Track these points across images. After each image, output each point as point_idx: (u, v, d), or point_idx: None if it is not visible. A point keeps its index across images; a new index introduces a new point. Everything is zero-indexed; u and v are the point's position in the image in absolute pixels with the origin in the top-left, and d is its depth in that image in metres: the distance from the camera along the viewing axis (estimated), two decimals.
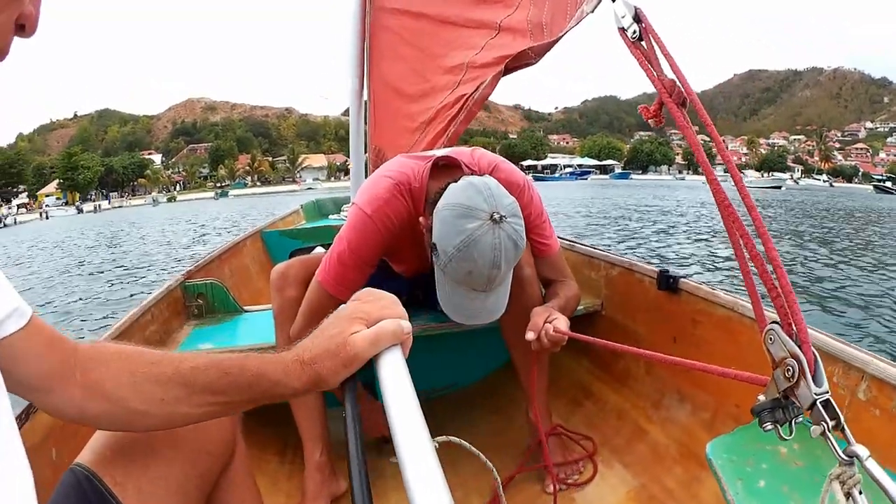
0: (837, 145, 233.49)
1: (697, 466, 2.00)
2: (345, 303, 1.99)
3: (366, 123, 3.83)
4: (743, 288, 0.97)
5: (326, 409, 2.26)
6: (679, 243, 14.85)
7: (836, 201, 43.45)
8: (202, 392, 0.92)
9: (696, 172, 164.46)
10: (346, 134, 4.25)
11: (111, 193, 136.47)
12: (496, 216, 1.62)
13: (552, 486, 2.08)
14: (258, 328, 2.79)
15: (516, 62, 2.42)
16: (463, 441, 0.96)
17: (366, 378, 2.45)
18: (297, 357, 0.93)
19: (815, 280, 10.58)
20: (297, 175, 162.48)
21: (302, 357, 0.93)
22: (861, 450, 0.72)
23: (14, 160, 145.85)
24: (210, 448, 1.17)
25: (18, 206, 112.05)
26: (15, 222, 63.46)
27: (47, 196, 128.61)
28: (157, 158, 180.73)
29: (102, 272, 14.38)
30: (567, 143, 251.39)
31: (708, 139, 1.13)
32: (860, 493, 0.72)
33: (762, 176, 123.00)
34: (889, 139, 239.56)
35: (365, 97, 3.82)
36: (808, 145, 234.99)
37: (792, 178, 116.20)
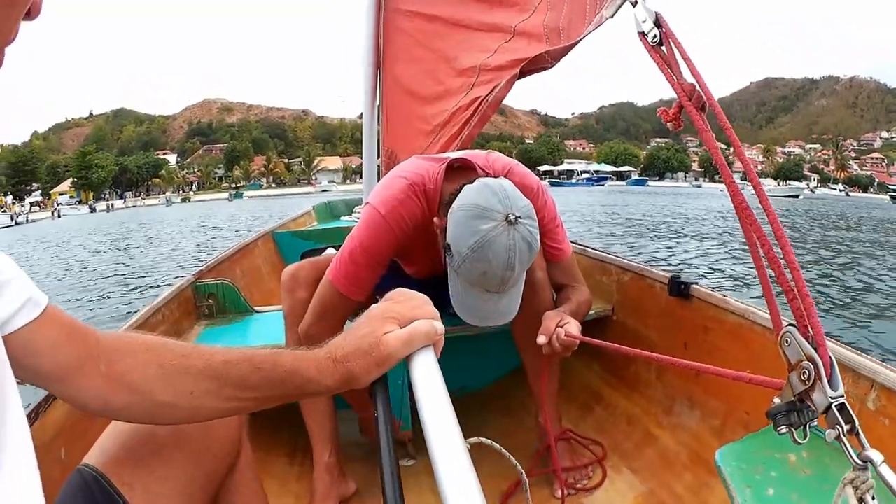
0: (853, 154, 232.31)
1: (706, 473, 1.99)
2: (355, 302, 2.00)
3: (379, 125, 3.85)
4: (759, 295, 0.96)
5: (336, 411, 2.27)
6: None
7: (858, 212, 43.06)
8: (233, 387, 0.92)
9: (712, 180, 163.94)
10: (362, 136, 4.25)
11: (126, 193, 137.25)
12: (511, 217, 1.62)
13: (560, 491, 2.08)
14: (269, 329, 2.79)
15: (532, 65, 2.42)
16: (493, 443, 0.98)
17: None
18: (329, 355, 0.93)
19: (843, 289, 10.53)
20: (313, 177, 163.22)
21: (335, 355, 0.93)
22: (875, 455, 0.71)
23: (28, 158, 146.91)
24: (216, 449, 1.18)
25: (32, 205, 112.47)
26: (27, 220, 63.69)
27: (61, 195, 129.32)
28: (172, 158, 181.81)
29: (99, 278, 14.18)
30: (583, 148, 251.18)
31: (727, 146, 1.13)
32: (873, 498, 0.71)
33: (779, 184, 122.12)
34: None
35: (378, 99, 3.84)
36: (824, 154, 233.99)
37: (808, 187, 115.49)
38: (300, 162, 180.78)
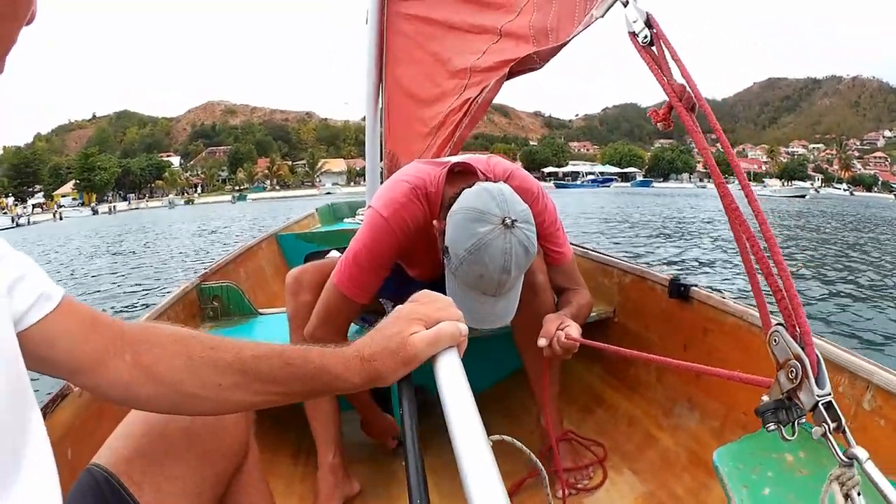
0: (856, 154, 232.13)
1: (705, 474, 2.01)
2: (359, 304, 2.02)
3: (382, 127, 3.86)
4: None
5: (340, 413, 2.28)
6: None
7: (868, 211, 42.91)
8: (262, 381, 0.94)
9: None
10: (365, 139, 4.28)
11: (129, 195, 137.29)
12: (508, 221, 1.63)
13: (562, 491, 2.09)
14: (273, 331, 2.80)
15: (520, 66, 2.44)
16: (515, 440, 1.00)
17: (377, 390, 2.47)
18: (357, 353, 0.95)
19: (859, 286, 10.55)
20: (317, 179, 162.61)
21: (362, 353, 0.94)
22: (861, 452, 0.72)
23: (30, 160, 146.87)
24: (224, 449, 1.19)
25: (34, 206, 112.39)
26: (28, 222, 63.65)
27: (63, 197, 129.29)
28: (175, 161, 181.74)
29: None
30: (587, 150, 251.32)
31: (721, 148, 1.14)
32: (858, 494, 0.72)
33: (784, 185, 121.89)
34: None
35: (381, 102, 3.85)
36: (828, 154, 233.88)
37: (813, 187, 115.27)
38: (304, 164, 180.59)
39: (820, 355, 0.78)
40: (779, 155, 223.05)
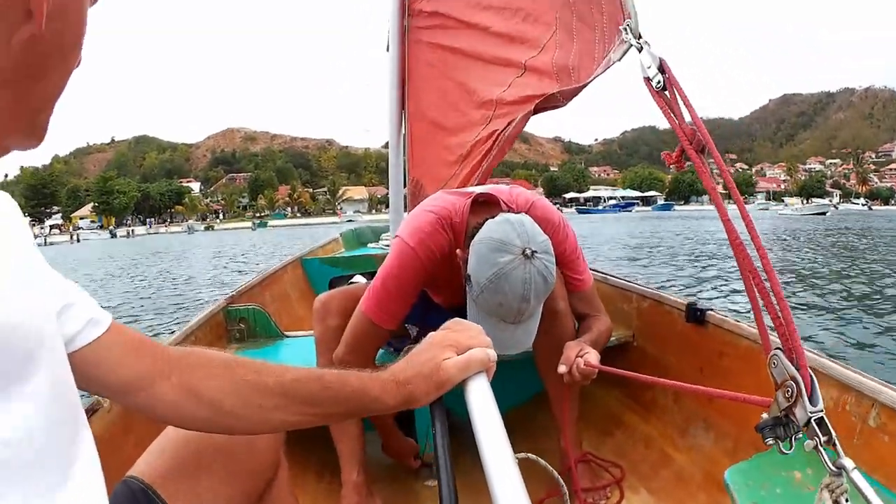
0: (872, 167, 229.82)
1: (719, 492, 2.05)
2: (387, 331, 2.10)
3: (404, 155, 3.93)
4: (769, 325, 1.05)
5: (364, 434, 2.34)
6: None
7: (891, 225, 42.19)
8: (301, 403, 1.00)
9: None
10: (386, 166, 4.29)
11: (148, 219, 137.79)
12: (528, 251, 1.70)
13: None
14: (299, 353, 2.86)
15: (545, 103, 2.48)
16: (539, 459, 1.07)
17: (400, 414, 2.53)
18: (392, 377, 1.02)
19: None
20: (338, 207, 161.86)
21: (397, 377, 1.02)
22: (848, 462, 0.81)
23: (47, 181, 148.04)
24: (257, 466, 1.25)
25: (51, 228, 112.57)
26: (45, 243, 63.48)
27: (81, 219, 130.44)
28: (195, 186, 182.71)
29: None
30: (608, 174, 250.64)
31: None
32: (847, 501, 0.80)
33: (804, 203, 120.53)
34: None
35: (404, 129, 3.92)
36: (845, 168, 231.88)
37: (831, 203, 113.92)
38: (325, 192, 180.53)
39: (813, 376, 0.87)
40: (796, 172, 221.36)
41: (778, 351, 0.92)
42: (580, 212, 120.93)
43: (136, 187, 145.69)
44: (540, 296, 1.78)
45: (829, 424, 0.84)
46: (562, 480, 1.16)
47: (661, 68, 1.31)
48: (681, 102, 1.26)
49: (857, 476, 0.80)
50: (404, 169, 3.96)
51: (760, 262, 0.99)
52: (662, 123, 1.29)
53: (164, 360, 0.98)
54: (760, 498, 1.38)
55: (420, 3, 3.74)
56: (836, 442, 0.83)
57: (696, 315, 2.47)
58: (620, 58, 1.74)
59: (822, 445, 0.83)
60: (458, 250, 1.98)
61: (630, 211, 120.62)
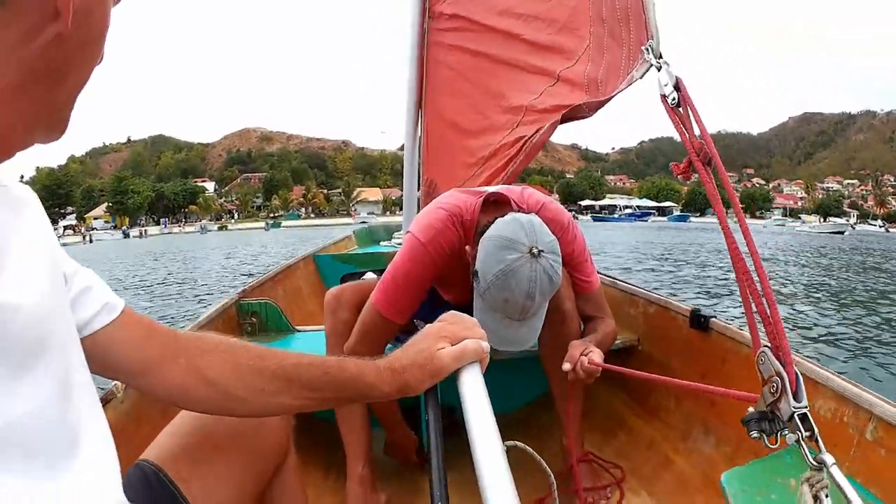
0: (891, 190, 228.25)
1: (717, 496, 2.06)
2: (397, 325, 2.14)
3: (419, 157, 3.96)
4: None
5: (371, 429, 2.38)
6: None
7: None
8: (302, 387, 1.03)
9: (752, 216, 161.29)
10: (402, 168, 4.33)
11: (162, 219, 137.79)
12: (535, 250, 1.74)
13: None
14: (310, 347, 2.87)
15: (572, 113, 2.52)
16: (527, 447, 1.08)
17: (406, 403, 2.56)
18: (388, 365, 1.06)
19: None
20: (352, 208, 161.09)
21: (393, 366, 1.06)
22: (828, 458, 0.84)
23: (62, 181, 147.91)
24: (266, 450, 1.29)
25: (65, 228, 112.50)
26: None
27: (95, 219, 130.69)
28: (210, 186, 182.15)
29: None
30: (624, 183, 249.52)
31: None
32: (826, 496, 0.83)
33: (821, 221, 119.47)
34: None
35: (420, 131, 3.96)
36: (863, 190, 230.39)
37: (849, 223, 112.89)
38: (339, 193, 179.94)
39: (799, 373, 0.91)
40: (814, 190, 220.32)
41: (765, 348, 0.96)
42: (595, 219, 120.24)
43: (151, 187, 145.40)
44: (545, 294, 1.81)
45: (811, 420, 0.88)
46: (549, 470, 1.19)
47: (677, 86, 1.38)
48: (692, 118, 1.32)
49: (836, 471, 0.83)
50: (419, 170, 3.99)
51: (754, 266, 1.04)
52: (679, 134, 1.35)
53: (174, 343, 1.02)
54: (756, 503, 1.41)
55: (441, 6, 3.78)
56: (819, 438, 0.87)
57: (699, 322, 2.50)
58: (642, 76, 1.83)
59: (804, 440, 0.87)
60: (467, 247, 2.02)
61: (646, 221, 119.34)
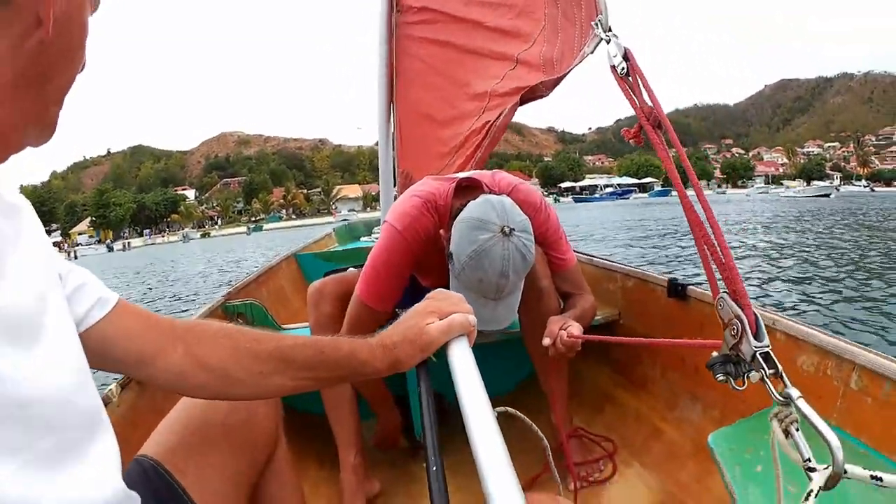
0: (873, 150, 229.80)
1: (708, 461, 2.09)
2: (382, 313, 2.17)
3: (394, 150, 3.98)
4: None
5: (360, 418, 2.40)
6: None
7: None
8: (298, 368, 1.07)
9: (735, 186, 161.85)
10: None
11: (145, 230, 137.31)
12: (506, 229, 1.77)
13: (573, 484, 2.16)
14: None
15: (530, 94, 2.57)
16: (517, 412, 1.13)
17: (396, 390, 2.56)
18: (380, 342, 1.10)
19: None
20: (333, 206, 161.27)
21: (384, 342, 1.10)
22: (794, 391, 0.86)
23: (45, 198, 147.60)
24: (257, 440, 1.32)
25: (52, 245, 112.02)
26: None
27: (80, 234, 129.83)
28: (190, 194, 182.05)
29: None
30: (602, 163, 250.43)
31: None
32: (797, 430, 0.85)
33: (805, 186, 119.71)
34: None
35: (393, 125, 3.96)
36: (845, 151, 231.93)
37: (833, 185, 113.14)
38: (319, 192, 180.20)
39: (758, 314, 0.93)
40: (795, 156, 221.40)
41: (724, 294, 0.98)
42: (577, 200, 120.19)
43: (132, 198, 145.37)
44: (519, 272, 1.84)
45: (775, 359, 0.89)
46: (542, 434, 1.21)
47: (626, 56, 1.44)
48: (641, 86, 1.38)
49: (802, 404, 0.84)
50: (394, 164, 4.01)
51: (705, 216, 1.07)
52: None
53: (171, 332, 1.05)
54: (744, 461, 1.44)
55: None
56: (784, 374, 0.88)
57: (677, 290, 2.52)
58: (593, 50, 1.86)
59: (768, 377, 0.89)
60: (441, 231, 2.05)
61: (627, 198, 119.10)
